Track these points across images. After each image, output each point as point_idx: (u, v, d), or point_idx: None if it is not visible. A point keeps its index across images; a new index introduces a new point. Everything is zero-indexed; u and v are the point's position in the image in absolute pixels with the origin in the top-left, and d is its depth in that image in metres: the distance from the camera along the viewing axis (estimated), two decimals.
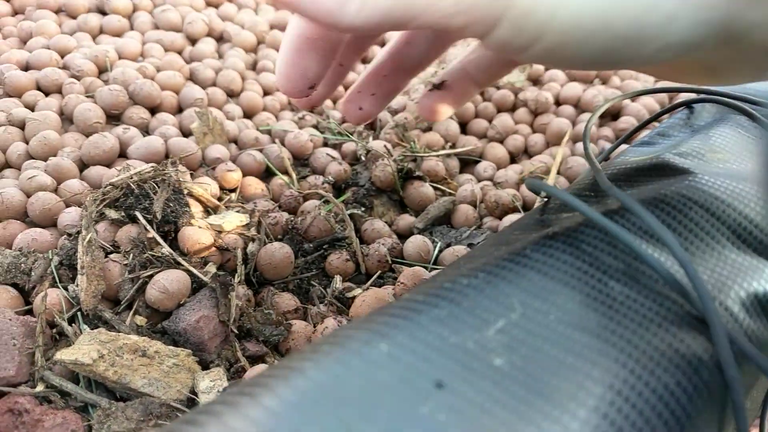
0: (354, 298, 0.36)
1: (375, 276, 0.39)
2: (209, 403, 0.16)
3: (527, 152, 0.53)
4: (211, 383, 0.29)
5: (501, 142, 0.53)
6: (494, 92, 0.56)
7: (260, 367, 0.31)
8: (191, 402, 0.29)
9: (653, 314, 0.19)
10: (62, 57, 0.52)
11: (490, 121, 0.55)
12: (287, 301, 0.35)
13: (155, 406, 0.28)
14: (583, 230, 0.22)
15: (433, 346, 0.17)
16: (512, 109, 0.56)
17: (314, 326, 0.34)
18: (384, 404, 0.15)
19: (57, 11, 0.60)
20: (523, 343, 0.17)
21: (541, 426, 0.15)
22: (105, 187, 0.35)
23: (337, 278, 0.38)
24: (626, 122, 0.53)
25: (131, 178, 0.35)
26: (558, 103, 0.56)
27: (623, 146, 0.43)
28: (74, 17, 0.59)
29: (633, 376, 0.17)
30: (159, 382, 0.29)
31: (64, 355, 0.28)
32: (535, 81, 0.59)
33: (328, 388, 0.16)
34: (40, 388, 0.29)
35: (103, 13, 0.62)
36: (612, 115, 0.55)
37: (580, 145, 0.51)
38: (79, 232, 0.33)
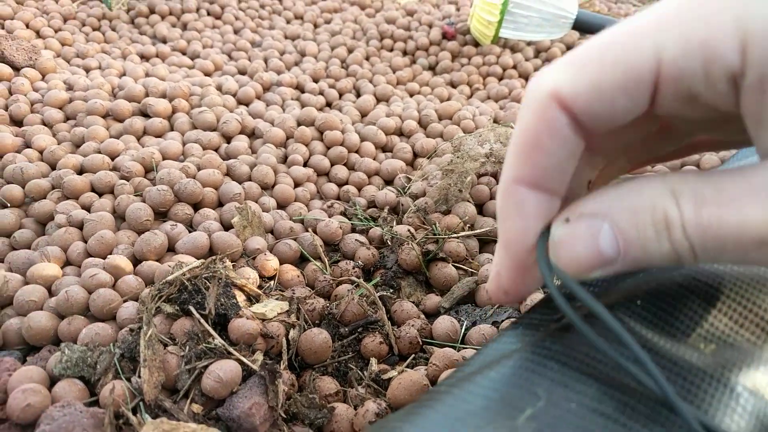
0: (390, 379, 0.38)
1: (410, 359, 0.41)
2: None
3: None
4: None
5: None
6: None
7: None
8: None
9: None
10: (112, 159, 0.57)
11: None
12: (328, 384, 0.38)
13: None
14: (595, 321, 0.25)
15: None
16: None
17: (355, 408, 0.37)
18: None
19: (105, 116, 0.66)
20: (549, 427, 0.20)
21: None
22: (161, 284, 0.39)
23: (373, 361, 0.41)
24: None
25: (184, 275, 0.39)
26: None
27: None
28: (120, 121, 0.65)
29: None
30: None
31: None
32: None
33: None
34: None
35: (146, 115, 0.68)
36: None
37: None
38: (140, 327, 0.36)
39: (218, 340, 0.36)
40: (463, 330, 0.44)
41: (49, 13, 0.95)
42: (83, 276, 0.42)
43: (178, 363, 0.35)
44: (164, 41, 0.95)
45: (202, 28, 0.98)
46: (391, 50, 0.93)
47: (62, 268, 0.45)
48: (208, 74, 0.83)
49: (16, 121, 0.65)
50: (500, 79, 0.87)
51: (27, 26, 0.90)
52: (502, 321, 0.45)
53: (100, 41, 0.93)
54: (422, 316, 0.46)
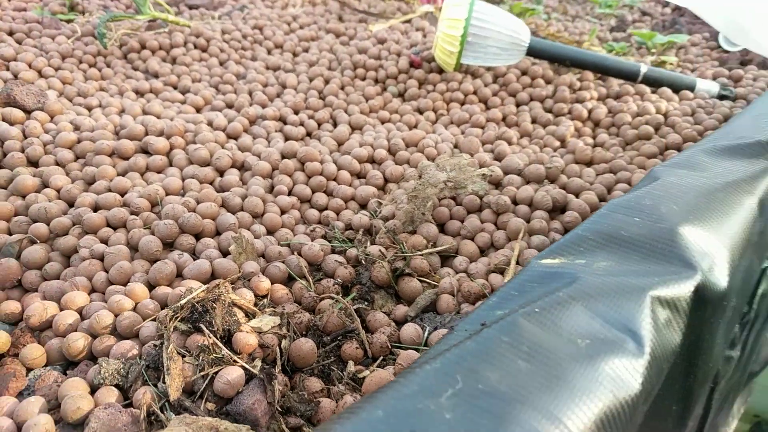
0: (364, 378, 0.48)
1: (379, 359, 0.51)
2: None
3: (493, 246, 0.66)
4: None
5: (472, 239, 0.66)
6: (464, 197, 0.70)
7: None
8: None
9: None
10: (122, 195, 0.66)
11: (461, 221, 0.68)
12: (314, 383, 0.48)
13: None
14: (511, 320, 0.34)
15: (409, 410, 0.29)
16: (479, 210, 0.70)
17: (336, 402, 0.46)
18: None
19: (111, 154, 0.74)
20: (463, 401, 0.30)
21: None
22: (175, 307, 0.48)
23: (351, 363, 0.50)
24: (571, 216, 0.66)
25: (194, 299, 0.48)
26: (515, 202, 0.70)
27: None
28: (125, 158, 0.74)
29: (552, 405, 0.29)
30: None
31: None
32: (497, 185, 0.73)
33: None
34: None
35: (146, 152, 0.76)
36: (561, 209, 0.69)
37: (534, 238, 0.64)
38: (161, 343, 0.46)
39: (225, 351, 0.45)
40: (426, 334, 0.54)
41: (48, 51, 1.03)
42: (109, 302, 0.51)
43: (193, 370, 0.45)
44: (156, 76, 1.03)
45: (190, 62, 1.07)
46: (364, 79, 1.03)
47: (89, 294, 0.54)
48: (198, 108, 0.92)
49: (32, 162, 0.74)
50: (462, 104, 0.97)
51: (30, 66, 0.98)
52: (456, 326, 0.54)
53: (97, 78, 1.01)
54: (392, 324, 0.56)
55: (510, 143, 0.85)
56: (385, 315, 0.57)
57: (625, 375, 0.33)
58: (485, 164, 0.76)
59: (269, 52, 1.16)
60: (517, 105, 0.97)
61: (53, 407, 0.44)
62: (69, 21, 1.24)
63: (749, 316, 0.65)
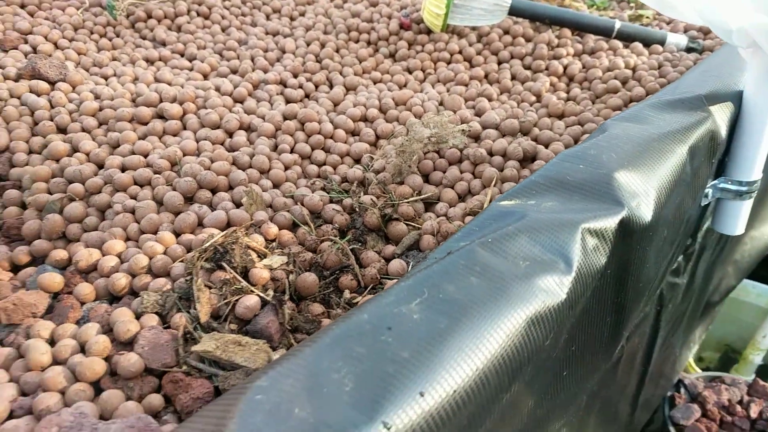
0: (357, 302, 0.58)
1: (369, 288, 0.61)
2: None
3: (471, 192, 0.75)
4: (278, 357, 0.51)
5: (452, 187, 0.76)
6: (446, 151, 0.79)
7: None
8: None
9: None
10: (145, 157, 0.75)
11: (443, 172, 0.77)
12: (317, 308, 0.58)
13: (250, 370, 0.50)
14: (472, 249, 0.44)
15: (386, 313, 0.39)
16: (459, 161, 0.79)
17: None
18: (363, 338, 0.37)
19: (130, 120, 0.83)
20: (427, 306, 0.39)
21: (445, 341, 0.37)
22: (200, 250, 0.58)
23: (346, 292, 0.60)
24: (538, 164, 0.75)
25: (216, 242, 0.58)
26: (491, 153, 0.78)
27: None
28: (143, 123, 0.83)
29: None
30: (250, 358, 0.51)
31: (196, 348, 0.51)
32: (476, 138, 0.82)
33: (339, 336, 0.38)
34: (184, 368, 0.51)
35: (162, 117, 0.85)
36: (531, 158, 0.78)
37: (506, 185, 0.73)
38: (191, 278, 0.56)
39: (243, 283, 0.55)
40: (409, 268, 0.64)
41: (61, 24, 1.11)
42: (144, 247, 0.61)
43: (218, 299, 0.55)
44: (163, 44, 1.11)
45: (194, 30, 1.14)
46: (357, 41, 1.10)
47: (125, 242, 0.64)
48: (205, 75, 1.00)
49: (61, 129, 0.83)
50: (448, 63, 1.05)
51: (46, 38, 1.05)
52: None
53: (109, 48, 1.09)
54: (382, 260, 0.66)
55: (490, 100, 0.93)
56: (376, 253, 0.67)
57: (554, 288, 0.43)
58: (466, 120, 0.85)
59: (268, 17, 1.23)
60: (499, 63, 1.05)
61: (106, 331, 0.54)
62: None
63: (693, 248, 0.74)
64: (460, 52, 1.05)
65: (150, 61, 1.05)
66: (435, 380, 0.35)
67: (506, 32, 1.08)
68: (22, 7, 1.18)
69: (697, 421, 1.16)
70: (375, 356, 0.36)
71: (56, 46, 1.05)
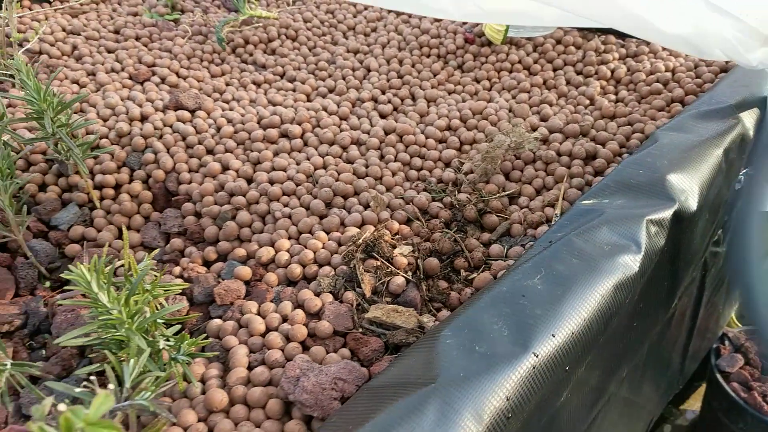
0: (473, 279, 0.78)
1: (481, 268, 0.81)
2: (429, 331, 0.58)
3: (545, 187, 0.94)
4: (426, 320, 0.71)
5: (530, 183, 0.94)
6: (522, 153, 0.98)
7: (442, 313, 0.73)
8: (421, 329, 0.71)
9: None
10: (285, 172, 0.96)
11: (521, 171, 0.96)
12: (442, 284, 0.78)
13: (405, 330, 0.70)
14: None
15: (519, 285, 0.58)
16: (533, 161, 0.97)
17: (459, 293, 0.76)
18: (506, 302, 0.57)
19: (262, 140, 1.03)
20: (547, 279, 0.59)
21: (562, 302, 0.56)
22: (357, 243, 0.78)
23: (462, 270, 0.80)
24: (599, 162, 0.93)
25: (367, 238, 0.78)
26: (559, 154, 0.97)
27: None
28: (272, 142, 1.03)
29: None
30: (405, 321, 0.71)
31: (368, 315, 0.71)
32: (544, 141, 1.00)
33: (489, 301, 0.57)
34: (360, 330, 0.71)
35: (285, 136, 1.05)
36: (592, 157, 0.96)
37: (574, 180, 0.92)
38: (354, 265, 0.76)
39: (392, 268, 0.76)
40: (506, 249, 0.83)
41: (177, 54, 1.31)
42: (308, 244, 0.82)
43: (373, 280, 0.75)
44: (263, 67, 1.31)
45: (287, 53, 1.34)
46: (428, 56, 1.28)
47: (289, 239, 0.85)
48: (308, 95, 1.20)
49: (209, 151, 1.03)
50: (510, 72, 1.22)
51: (169, 69, 1.26)
52: (526, 244, 0.83)
53: (219, 74, 1.29)
54: (481, 246, 0.85)
55: (551, 105, 1.10)
56: (476, 240, 0.86)
57: (629, 263, 0.62)
58: (535, 126, 1.03)
59: (344, 35, 1.41)
60: (554, 70, 1.22)
61: (296, 307, 0.75)
62: (174, 20, 1.51)
63: (729, 224, 0.92)
64: (519, 62, 1.23)
65: (257, 84, 1.25)
66: (559, 326, 0.55)
67: (558, 42, 1.25)
68: (137, 39, 1.39)
69: (742, 369, 1.33)
70: (518, 313, 0.56)
71: (177, 75, 1.26)
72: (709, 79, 1.07)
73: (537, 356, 0.52)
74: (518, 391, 0.49)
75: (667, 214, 0.66)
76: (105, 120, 1.08)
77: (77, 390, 0.51)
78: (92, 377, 0.52)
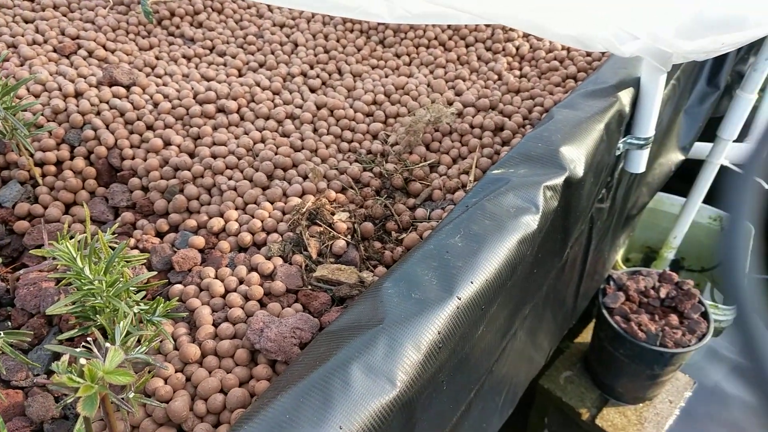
0: (403, 239, 0.90)
1: (408, 230, 0.93)
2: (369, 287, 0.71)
3: (461, 156, 1.07)
4: (366, 275, 0.83)
5: (447, 153, 1.07)
6: (440, 126, 1.10)
7: (378, 269, 0.86)
8: (362, 284, 0.83)
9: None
10: (226, 146, 1.03)
11: (439, 143, 1.09)
12: (377, 245, 0.90)
13: (348, 285, 0.82)
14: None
15: (443, 243, 0.72)
16: (450, 133, 1.10)
17: (391, 252, 0.89)
18: (433, 257, 0.70)
19: (200, 115, 1.09)
20: (466, 237, 0.72)
21: (478, 255, 0.70)
22: (301, 211, 0.88)
23: (392, 232, 0.92)
24: (506, 133, 1.07)
25: (309, 207, 0.88)
26: (472, 126, 1.10)
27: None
28: (210, 117, 1.10)
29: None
30: (348, 277, 0.83)
31: (315, 274, 0.82)
32: (459, 114, 1.13)
33: (419, 257, 0.70)
34: (309, 287, 0.83)
35: (222, 111, 1.12)
36: (500, 128, 1.10)
37: (485, 150, 1.05)
38: (300, 232, 0.86)
39: (334, 233, 0.87)
40: (429, 212, 0.96)
41: (101, 27, 1.32)
42: (255, 214, 0.91)
43: (317, 244, 0.86)
44: (192, 40, 1.34)
45: (214, 26, 1.38)
46: (352, 31, 1.37)
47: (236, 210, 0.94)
48: (239, 69, 1.26)
49: (149, 126, 1.08)
50: (427, 47, 1.34)
51: (95, 42, 1.27)
52: (446, 207, 0.97)
53: (147, 47, 1.32)
54: (408, 210, 0.98)
55: (464, 80, 1.23)
56: (403, 205, 0.99)
57: (530, 222, 0.76)
58: (451, 101, 1.16)
59: (269, 8, 1.47)
60: (466, 46, 1.34)
61: (249, 270, 0.85)
62: None
63: (612, 183, 1.10)
64: (435, 38, 1.34)
65: (187, 58, 1.29)
66: (476, 274, 0.68)
67: None
68: (55, 8, 1.37)
69: (623, 304, 1.57)
70: (444, 266, 0.69)
71: (105, 48, 1.27)
72: (597, 57, 1.24)
73: (460, 299, 0.65)
74: (446, 327, 0.63)
75: (559, 180, 0.81)
76: (36, 96, 1.10)
77: (78, 350, 0.59)
78: (89, 338, 0.61)
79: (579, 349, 1.73)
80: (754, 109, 1.71)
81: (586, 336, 1.79)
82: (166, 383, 0.69)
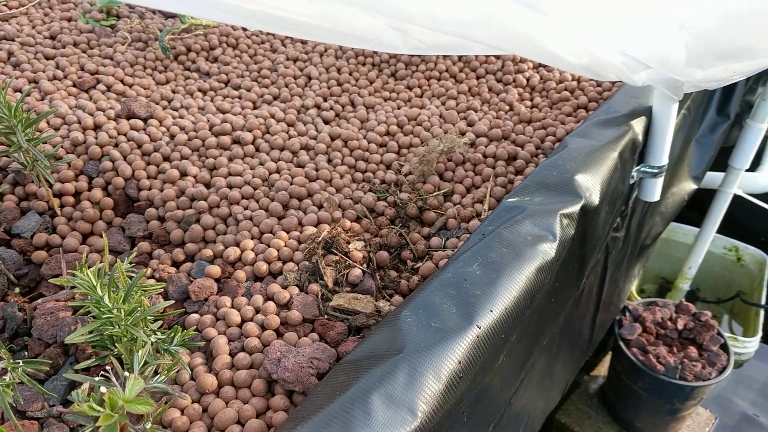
0: (418, 267, 0.90)
1: (424, 259, 0.93)
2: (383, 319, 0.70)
3: (474, 186, 1.07)
4: (382, 305, 0.83)
5: (461, 182, 1.08)
6: (453, 156, 1.11)
7: (395, 298, 0.85)
8: (378, 313, 0.82)
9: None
10: (241, 177, 1.04)
11: (453, 172, 1.09)
12: (392, 273, 0.90)
13: (365, 314, 0.82)
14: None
15: (461, 271, 0.71)
16: (463, 163, 1.11)
17: (407, 281, 0.88)
18: (452, 286, 0.69)
19: (216, 146, 1.11)
20: (483, 267, 0.72)
21: (497, 284, 0.69)
22: (315, 242, 0.88)
23: (408, 261, 0.92)
24: (519, 162, 1.08)
25: (325, 236, 0.89)
26: (485, 156, 1.11)
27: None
28: (225, 149, 1.11)
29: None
30: (365, 306, 0.82)
31: (332, 303, 0.82)
32: (472, 144, 1.14)
33: (437, 286, 0.70)
34: (326, 316, 0.82)
35: (237, 142, 1.13)
36: (513, 158, 1.10)
37: (499, 179, 1.06)
38: (315, 260, 0.86)
39: (350, 261, 0.87)
40: (444, 241, 0.96)
41: (120, 62, 1.35)
42: (270, 243, 0.91)
43: (334, 273, 0.86)
44: (207, 74, 1.37)
45: (229, 61, 1.40)
46: (364, 65, 1.39)
47: (251, 239, 0.94)
48: (254, 102, 1.28)
49: (165, 158, 1.10)
50: (438, 80, 1.36)
51: (113, 77, 1.30)
52: (461, 235, 0.96)
53: (164, 82, 1.34)
54: (423, 239, 0.98)
55: (476, 111, 1.25)
56: (418, 234, 0.99)
57: (547, 250, 0.76)
58: (463, 131, 1.17)
59: (283, 43, 1.50)
60: (477, 78, 1.36)
61: (266, 299, 0.85)
62: (111, 26, 1.53)
63: (627, 212, 1.10)
64: (446, 71, 1.36)
65: (203, 91, 1.32)
66: (496, 303, 0.68)
67: None
68: (75, 45, 1.41)
69: (640, 335, 1.55)
70: (462, 294, 0.69)
71: (123, 82, 1.30)
72: (607, 87, 1.25)
73: (480, 328, 0.65)
74: (467, 356, 0.62)
75: (575, 208, 0.81)
76: (56, 129, 1.12)
77: (97, 379, 0.59)
78: (108, 367, 0.60)
79: (595, 382, 1.70)
80: (765, 138, 1.72)
81: (602, 369, 1.76)
82: (182, 414, 0.69)
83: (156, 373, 0.66)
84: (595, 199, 0.85)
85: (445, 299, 0.68)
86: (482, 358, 0.65)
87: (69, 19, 1.53)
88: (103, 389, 0.49)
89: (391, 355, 0.61)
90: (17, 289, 0.92)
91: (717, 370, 1.40)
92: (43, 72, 1.29)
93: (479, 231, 0.80)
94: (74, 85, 1.27)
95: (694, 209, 1.81)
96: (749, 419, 1.79)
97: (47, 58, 1.35)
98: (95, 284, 0.63)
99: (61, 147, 1.08)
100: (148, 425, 0.61)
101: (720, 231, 1.84)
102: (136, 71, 1.34)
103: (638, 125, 0.99)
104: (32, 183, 1.03)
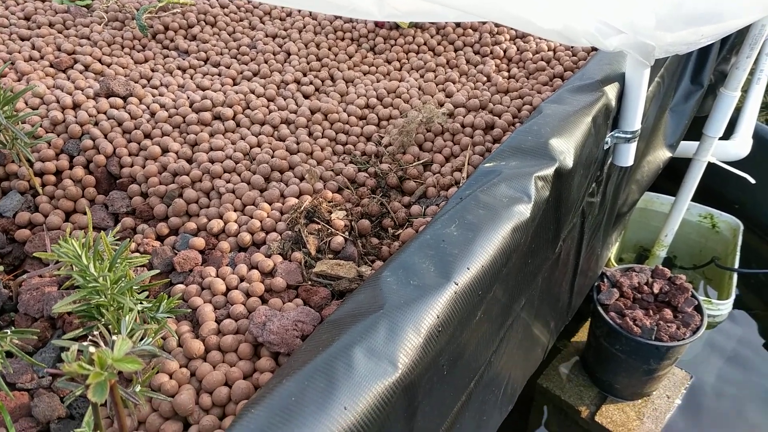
0: (399, 234, 0.92)
1: (404, 226, 0.95)
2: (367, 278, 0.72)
3: (453, 155, 1.09)
4: (364, 270, 0.85)
5: (440, 152, 1.09)
6: (432, 126, 1.13)
7: (376, 264, 0.87)
8: (360, 278, 0.85)
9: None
10: (223, 151, 1.05)
11: (432, 142, 1.11)
12: (374, 241, 0.92)
13: (348, 279, 0.84)
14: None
15: (439, 233, 0.73)
16: (442, 133, 1.13)
17: (389, 247, 0.90)
18: (430, 246, 0.71)
19: (197, 122, 1.11)
20: (461, 228, 0.74)
21: (473, 243, 0.72)
22: (298, 211, 0.90)
23: (389, 228, 0.94)
24: (497, 131, 1.10)
25: (307, 206, 0.90)
26: (463, 126, 1.13)
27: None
28: (206, 125, 1.12)
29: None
30: (347, 272, 0.84)
31: (315, 270, 0.84)
32: (450, 115, 1.16)
33: (417, 247, 0.72)
34: (309, 282, 0.84)
35: (217, 118, 1.14)
36: (490, 127, 1.12)
37: (477, 147, 1.08)
38: (298, 230, 0.88)
39: (331, 229, 0.88)
40: (424, 209, 0.98)
41: (97, 42, 1.34)
42: (253, 215, 0.92)
43: (315, 241, 0.88)
44: (186, 52, 1.37)
45: (208, 39, 1.40)
46: (343, 40, 1.40)
47: (234, 212, 0.95)
48: (233, 79, 1.28)
49: (146, 135, 1.10)
50: (417, 53, 1.37)
51: (91, 56, 1.29)
52: (440, 203, 0.99)
53: (142, 61, 1.34)
54: (403, 207, 1.00)
55: (454, 83, 1.26)
56: (399, 203, 1.01)
57: (523, 211, 0.78)
58: (442, 102, 1.18)
59: (261, 20, 1.50)
60: (455, 50, 1.37)
61: (250, 268, 0.86)
62: (86, 6, 1.52)
63: (602, 177, 1.12)
64: (425, 44, 1.37)
65: (182, 70, 1.32)
66: (472, 262, 0.70)
67: (458, 25, 1.40)
68: (50, 26, 1.40)
69: (617, 300, 1.59)
70: (441, 254, 0.71)
71: (101, 62, 1.30)
72: (582, 57, 1.27)
73: (457, 284, 0.67)
74: (445, 311, 0.64)
75: (550, 171, 0.84)
76: (34, 109, 1.12)
77: (85, 343, 0.61)
78: (95, 332, 0.62)
79: (576, 348, 1.75)
80: (738, 107, 1.75)
81: (582, 335, 1.80)
82: (171, 378, 0.70)
83: (143, 339, 0.68)
84: (569, 162, 0.88)
85: (424, 259, 0.70)
86: (460, 314, 0.67)
87: (43, 0, 1.51)
88: (92, 349, 0.51)
89: (372, 312, 0.63)
90: (1, 267, 0.93)
91: (691, 331, 1.44)
92: (19, 53, 1.28)
93: (457, 195, 0.82)
94: (51, 66, 1.27)
95: (671, 179, 1.85)
96: (723, 377, 1.85)
97: (22, 39, 1.34)
98: (80, 253, 0.64)
99: (41, 126, 1.08)
100: (138, 388, 0.62)
101: (695, 199, 1.88)
102: (113, 51, 1.34)
103: (611, 91, 1.01)
104: (12, 162, 1.04)
